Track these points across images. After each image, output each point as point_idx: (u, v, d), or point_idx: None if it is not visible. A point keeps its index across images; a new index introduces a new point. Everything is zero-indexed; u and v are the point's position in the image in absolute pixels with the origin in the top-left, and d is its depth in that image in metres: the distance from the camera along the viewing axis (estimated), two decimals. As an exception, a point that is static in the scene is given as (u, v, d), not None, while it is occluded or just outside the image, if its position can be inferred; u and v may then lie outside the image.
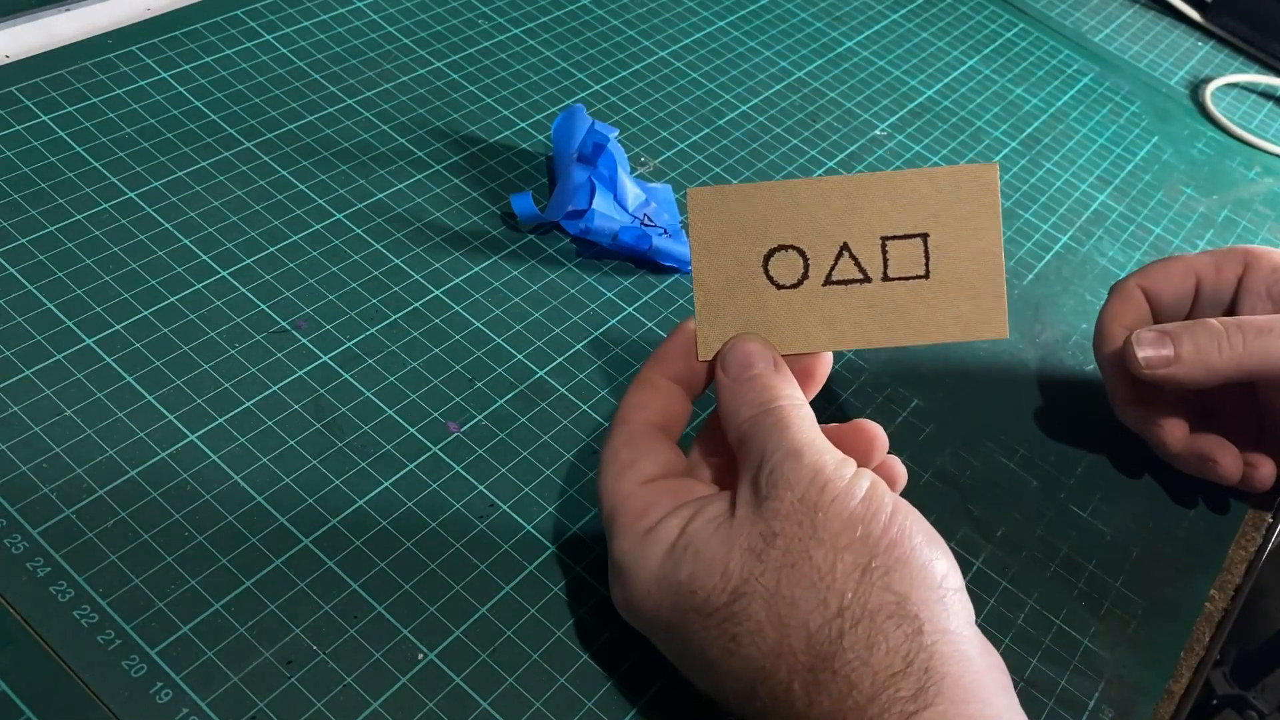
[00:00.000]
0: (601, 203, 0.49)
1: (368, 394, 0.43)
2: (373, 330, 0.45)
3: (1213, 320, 0.43)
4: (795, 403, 0.34)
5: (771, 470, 0.32)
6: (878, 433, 0.36)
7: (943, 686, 0.29)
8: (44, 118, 0.49)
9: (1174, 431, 0.45)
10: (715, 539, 0.32)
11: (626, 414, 0.36)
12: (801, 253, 0.35)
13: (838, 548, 0.30)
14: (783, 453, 0.32)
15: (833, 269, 0.35)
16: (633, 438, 0.35)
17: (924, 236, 0.35)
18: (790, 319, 0.35)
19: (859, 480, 0.32)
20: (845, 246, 0.35)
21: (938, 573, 0.31)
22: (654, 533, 0.33)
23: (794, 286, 0.35)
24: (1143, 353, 0.43)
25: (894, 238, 0.35)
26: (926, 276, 0.35)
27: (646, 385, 0.36)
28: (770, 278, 0.35)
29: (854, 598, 0.30)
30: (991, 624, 0.42)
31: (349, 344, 0.44)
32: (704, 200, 0.35)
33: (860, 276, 0.35)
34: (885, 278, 0.35)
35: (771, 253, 0.35)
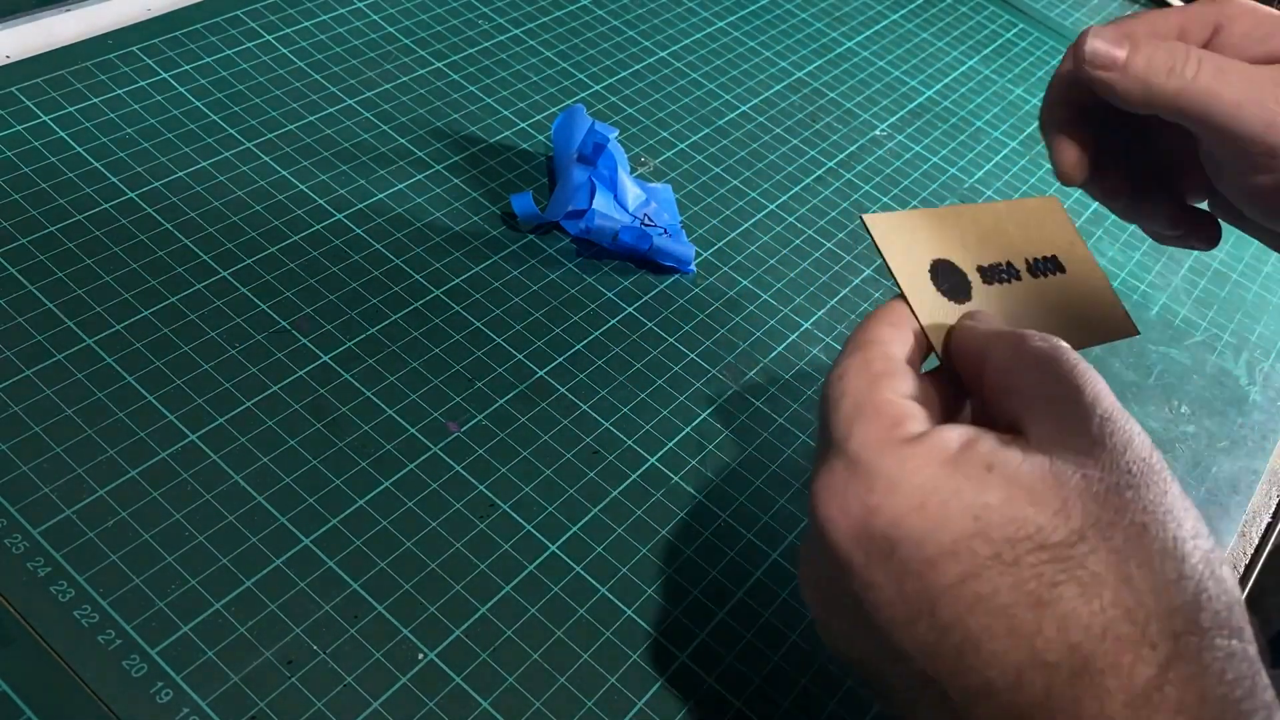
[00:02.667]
0: (601, 203, 0.49)
1: (368, 394, 0.43)
2: (373, 330, 0.45)
3: (1180, 43, 0.36)
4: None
5: (1107, 419, 0.28)
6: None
7: None
8: (44, 118, 0.49)
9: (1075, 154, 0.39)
10: (1033, 470, 0.27)
11: (876, 335, 0.32)
12: (955, 267, 0.36)
13: (1183, 531, 0.27)
14: (1115, 406, 0.28)
15: (987, 273, 0.36)
16: (888, 355, 0.31)
17: (1054, 257, 0.38)
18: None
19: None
20: (1003, 263, 0.37)
21: None
22: (921, 442, 0.28)
23: (963, 299, 0.35)
24: (1092, 44, 0.36)
25: (1036, 258, 0.37)
26: (1065, 272, 0.37)
27: (888, 324, 0.33)
28: (941, 292, 0.35)
29: (1213, 589, 0.26)
30: (991, 624, 0.42)
31: (349, 344, 0.44)
32: (882, 224, 0.35)
33: (1014, 276, 0.36)
34: (1033, 275, 0.37)
35: (934, 267, 0.35)
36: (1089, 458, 0.27)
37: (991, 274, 0.36)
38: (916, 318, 0.34)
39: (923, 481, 0.27)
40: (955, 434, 0.29)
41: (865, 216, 0.35)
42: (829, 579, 0.29)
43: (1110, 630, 0.25)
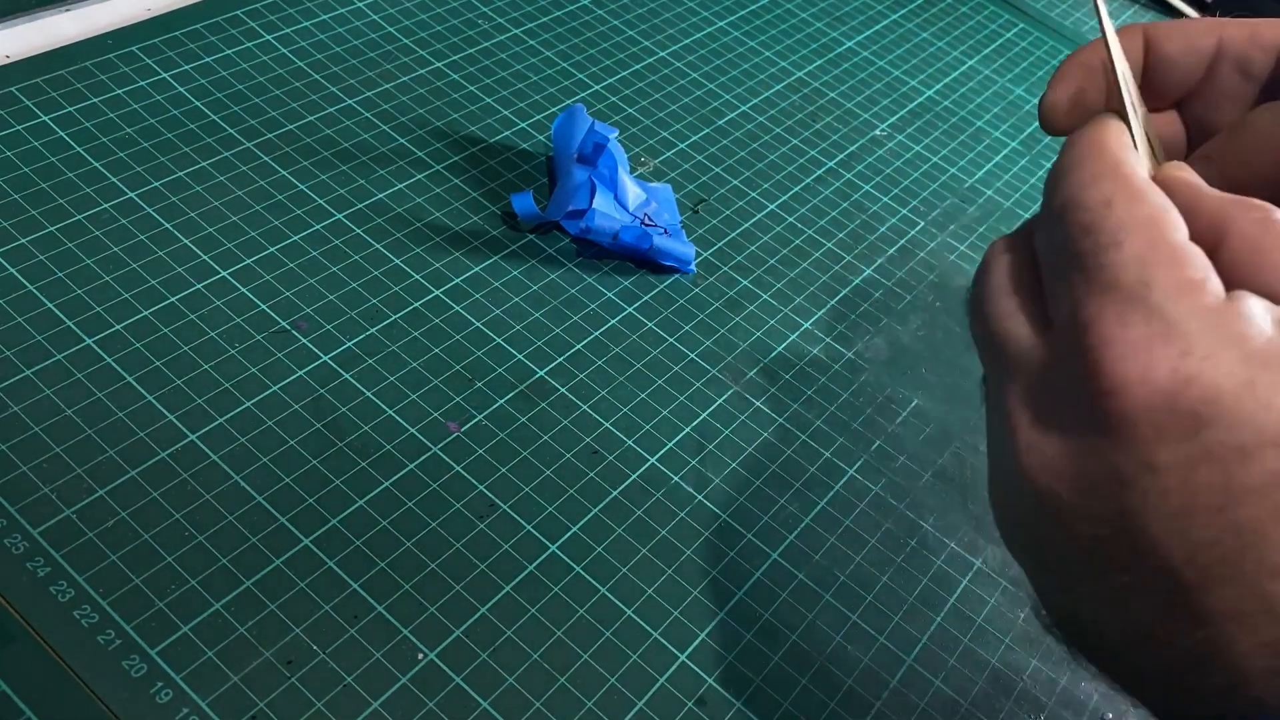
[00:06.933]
0: (602, 202, 0.49)
1: (368, 394, 0.43)
2: (373, 330, 0.45)
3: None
4: None
5: None
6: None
7: None
8: (44, 118, 0.49)
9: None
10: None
11: (1128, 158, 0.26)
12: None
13: None
14: None
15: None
16: (1155, 187, 0.26)
17: None
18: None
19: None
20: None
21: None
22: (1238, 305, 0.23)
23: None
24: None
25: None
26: None
27: (1128, 146, 0.27)
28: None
29: None
30: (992, 624, 0.42)
31: (349, 344, 0.44)
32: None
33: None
34: None
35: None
36: None
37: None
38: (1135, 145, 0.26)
39: (1252, 355, 0.22)
40: (1263, 304, 0.23)
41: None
42: (1088, 450, 0.24)
43: None
